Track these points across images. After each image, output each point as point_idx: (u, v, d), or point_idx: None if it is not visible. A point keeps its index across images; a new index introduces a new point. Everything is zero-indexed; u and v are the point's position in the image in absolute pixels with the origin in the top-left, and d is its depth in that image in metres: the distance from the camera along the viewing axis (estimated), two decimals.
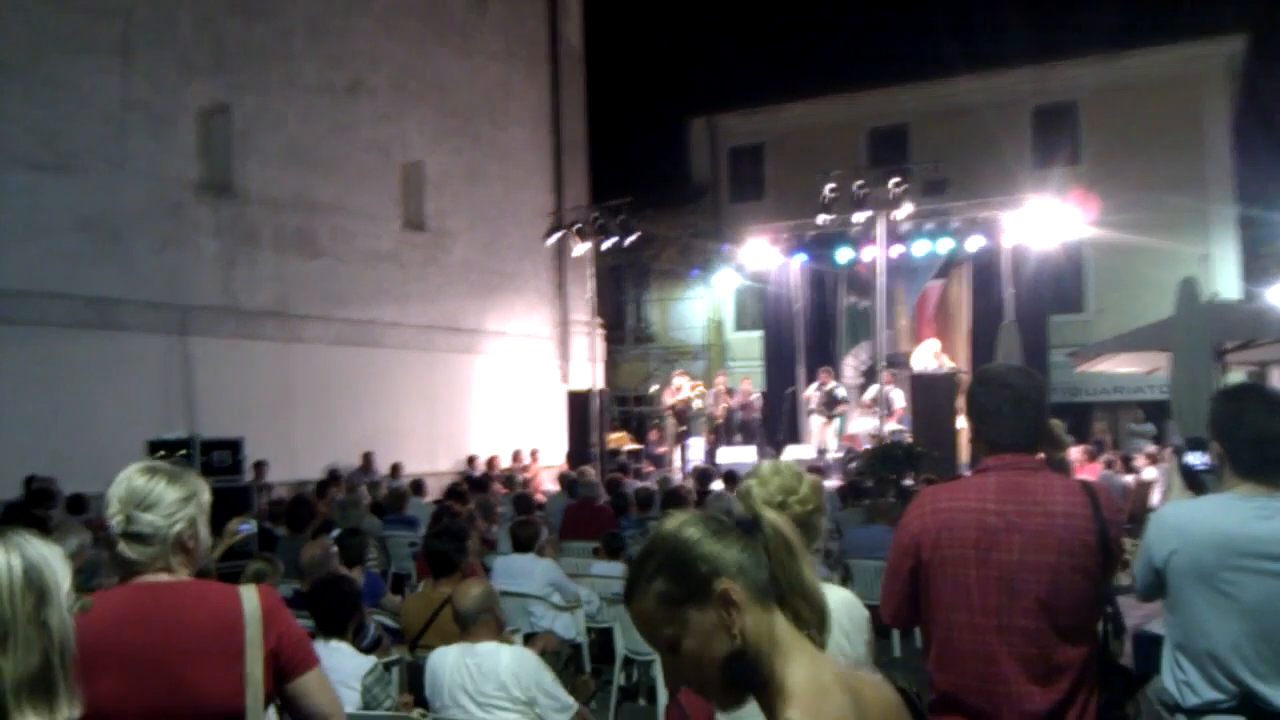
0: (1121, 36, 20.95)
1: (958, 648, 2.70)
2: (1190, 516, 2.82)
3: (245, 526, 5.80)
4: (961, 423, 12.85)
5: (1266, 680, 2.64)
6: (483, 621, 4.43)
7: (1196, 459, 3.20)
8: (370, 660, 4.53)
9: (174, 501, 2.30)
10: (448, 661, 4.34)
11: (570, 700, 4.43)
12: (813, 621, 1.57)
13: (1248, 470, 2.79)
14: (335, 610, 4.55)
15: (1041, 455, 2.84)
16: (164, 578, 2.29)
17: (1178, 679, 2.80)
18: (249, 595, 2.30)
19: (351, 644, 4.60)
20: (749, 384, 19.09)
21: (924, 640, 2.85)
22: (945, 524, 2.74)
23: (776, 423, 18.39)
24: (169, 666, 2.17)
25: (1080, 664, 2.65)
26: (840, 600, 2.83)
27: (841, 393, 17.52)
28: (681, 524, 1.57)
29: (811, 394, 17.51)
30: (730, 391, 18.61)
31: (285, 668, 2.34)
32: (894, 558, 2.87)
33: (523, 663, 4.31)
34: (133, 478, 2.30)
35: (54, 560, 1.60)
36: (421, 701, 4.46)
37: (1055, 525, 2.64)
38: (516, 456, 17.68)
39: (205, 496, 2.39)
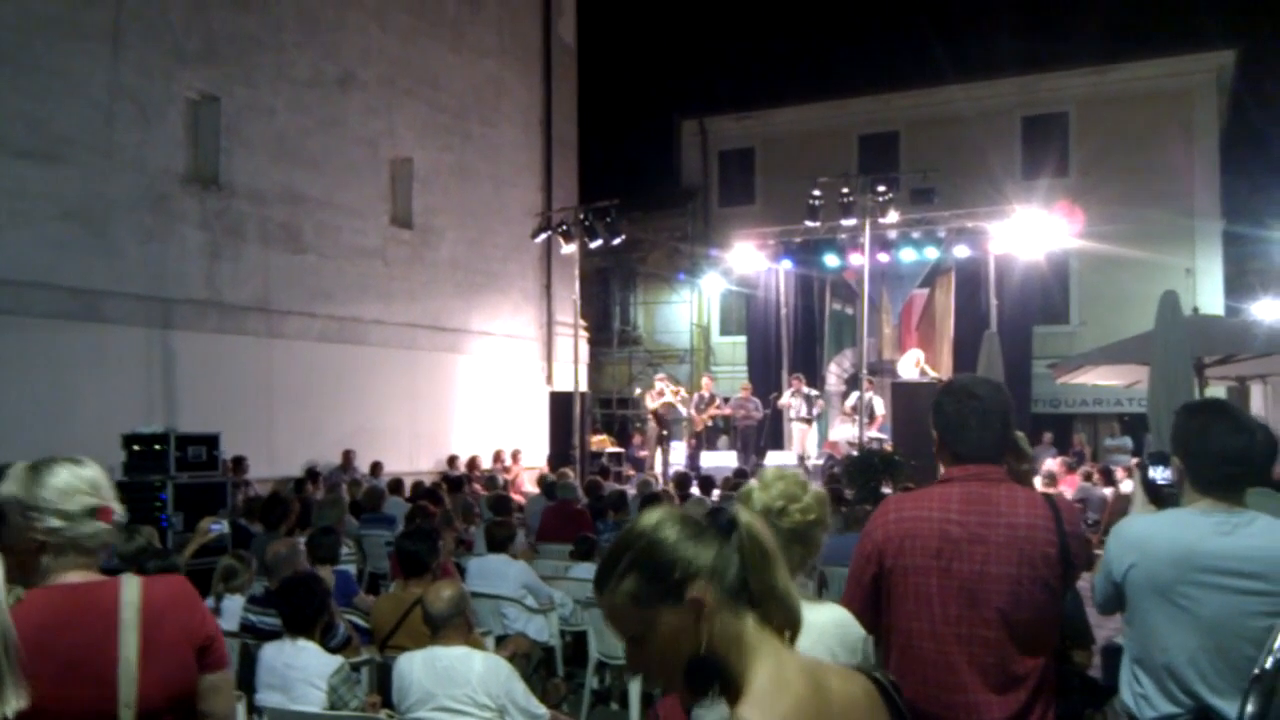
0: (1111, 48, 21.12)
1: (918, 656, 2.71)
2: (1149, 531, 2.83)
3: (216, 526, 5.79)
4: None
5: (1221, 694, 2.66)
6: (453, 625, 4.40)
7: (1159, 474, 3.21)
8: (337, 660, 4.52)
9: (94, 474, 2.30)
10: (415, 664, 4.32)
11: (543, 710, 4.40)
12: (786, 626, 1.55)
13: (1208, 486, 2.80)
14: (302, 608, 4.54)
15: (1004, 467, 2.85)
16: (85, 574, 2.25)
17: (1135, 692, 2.81)
18: (129, 587, 2.24)
19: (319, 643, 4.58)
20: (747, 390, 18.98)
21: (884, 647, 2.85)
22: (908, 533, 2.75)
23: (759, 428, 18.40)
24: (96, 664, 2.16)
25: (1038, 674, 2.67)
26: (833, 620, 2.62)
27: (815, 393, 17.58)
28: (659, 522, 1.55)
29: (788, 401, 17.53)
30: (714, 397, 18.58)
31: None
32: (856, 565, 2.88)
33: (494, 671, 4.26)
34: (53, 472, 2.25)
35: None
36: (390, 703, 4.43)
37: (1017, 537, 2.66)
38: (498, 457, 17.61)
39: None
